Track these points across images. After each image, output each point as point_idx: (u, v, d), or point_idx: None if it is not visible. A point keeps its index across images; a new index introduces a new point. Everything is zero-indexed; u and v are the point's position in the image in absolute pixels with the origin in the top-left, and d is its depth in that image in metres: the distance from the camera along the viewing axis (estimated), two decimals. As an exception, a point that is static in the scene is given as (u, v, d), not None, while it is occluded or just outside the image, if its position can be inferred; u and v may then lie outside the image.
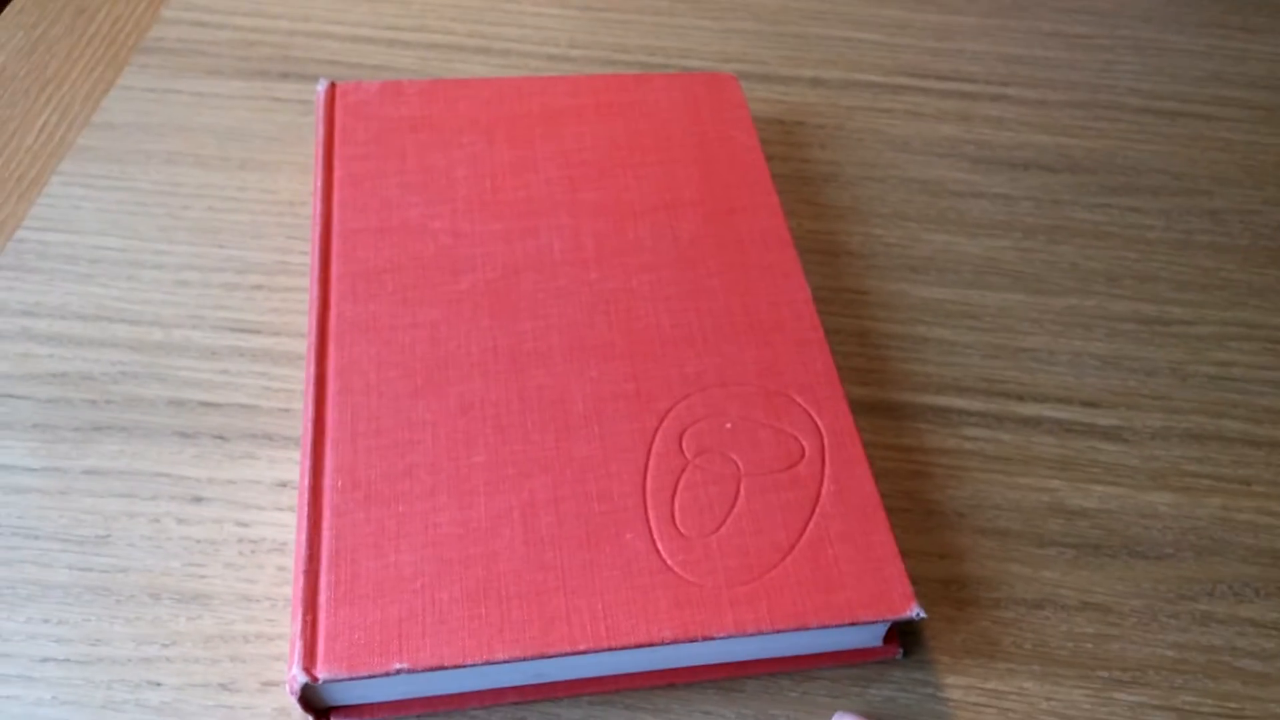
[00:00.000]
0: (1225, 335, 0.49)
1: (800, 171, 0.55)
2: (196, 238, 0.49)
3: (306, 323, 0.45)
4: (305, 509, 0.35)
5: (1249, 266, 0.53)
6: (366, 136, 0.48)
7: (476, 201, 0.46)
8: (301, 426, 0.38)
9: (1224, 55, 0.65)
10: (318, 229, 0.44)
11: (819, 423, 0.39)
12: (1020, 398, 0.46)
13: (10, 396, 0.42)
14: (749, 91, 0.60)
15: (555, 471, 0.37)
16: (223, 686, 0.35)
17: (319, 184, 0.45)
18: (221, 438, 0.41)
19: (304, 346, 0.45)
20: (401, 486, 0.36)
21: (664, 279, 0.44)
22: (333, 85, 0.50)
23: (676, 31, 0.63)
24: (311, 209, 0.47)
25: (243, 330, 0.45)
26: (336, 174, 0.46)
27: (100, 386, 0.43)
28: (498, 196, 0.46)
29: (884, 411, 0.45)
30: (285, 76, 0.57)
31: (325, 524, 0.35)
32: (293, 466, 0.41)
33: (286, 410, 0.42)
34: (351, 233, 0.44)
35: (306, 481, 0.36)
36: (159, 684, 0.35)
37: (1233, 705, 0.38)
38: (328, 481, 0.36)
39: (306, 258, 0.48)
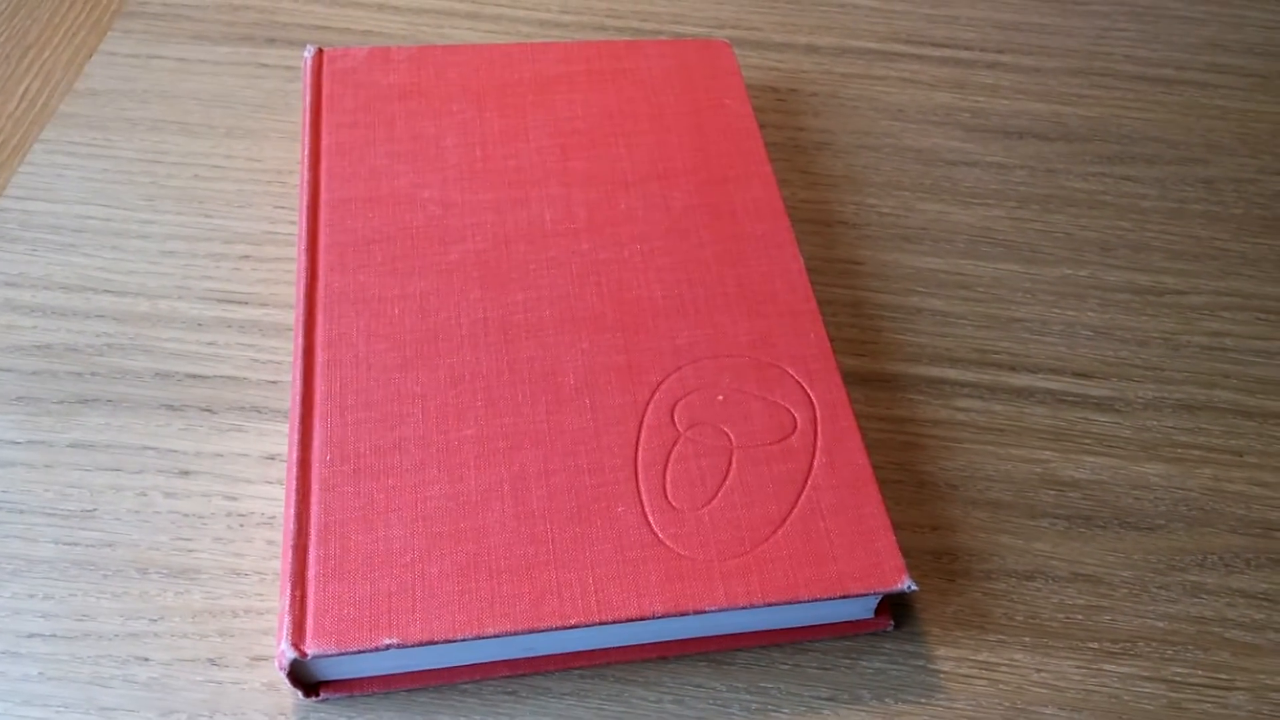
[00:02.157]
0: (1218, 305, 0.49)
1: (794, 140, 0.55)
2: (182, 207, 0.48)
3: (294, 294, 0.44)
4: (293, 483, 0.35)
5: (1243, 236, 0.52)
6: (354, 104, 0.47)
7: (466, 171, 0.45)
8: (290, 399, 0.38)
9: (1221, 22, 0.65)
10: (305, 198, 0.43)
11: (811, 395, 0.39)
12: (1013, 368, 0.46)
13: (-6, 369, 0.41)
14: (742, 59, 0.59)
15: (546, 444, 0.37)
16: (211, 662, 0.35)
17: (306, 153, 0.45)
18: (209, 410, 0.41)
19: (292, 318, 0.44)
20: (391, 460, 0.36)
21: (656, 249, 0.43)
22: (320, 52, 0.49)
23: (668, -4, 0.62)
24: (299, 178, 0.46)
25: (230, 301, 0.45)
26: (324, 142, 0.45)
27: (85, 359, 0.42)
28: (488, 165, 0.45)
29: (876, 382, 0.45)
30: (271, 42, 0.56)
31: (314, 498, 0.34)
32: (281, 439, 0.40)
33: (274, 382, 0.42)
34: (339, 202, 0.43)
35: (295, 455, 0.35)
36: (147, 659, 0.35)
37: (1223, 676, 0.38)
38: (316, 455, 0.35)
39: (294, 228, 0.47)
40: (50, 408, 0.40)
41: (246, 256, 0.46)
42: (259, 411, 0.41)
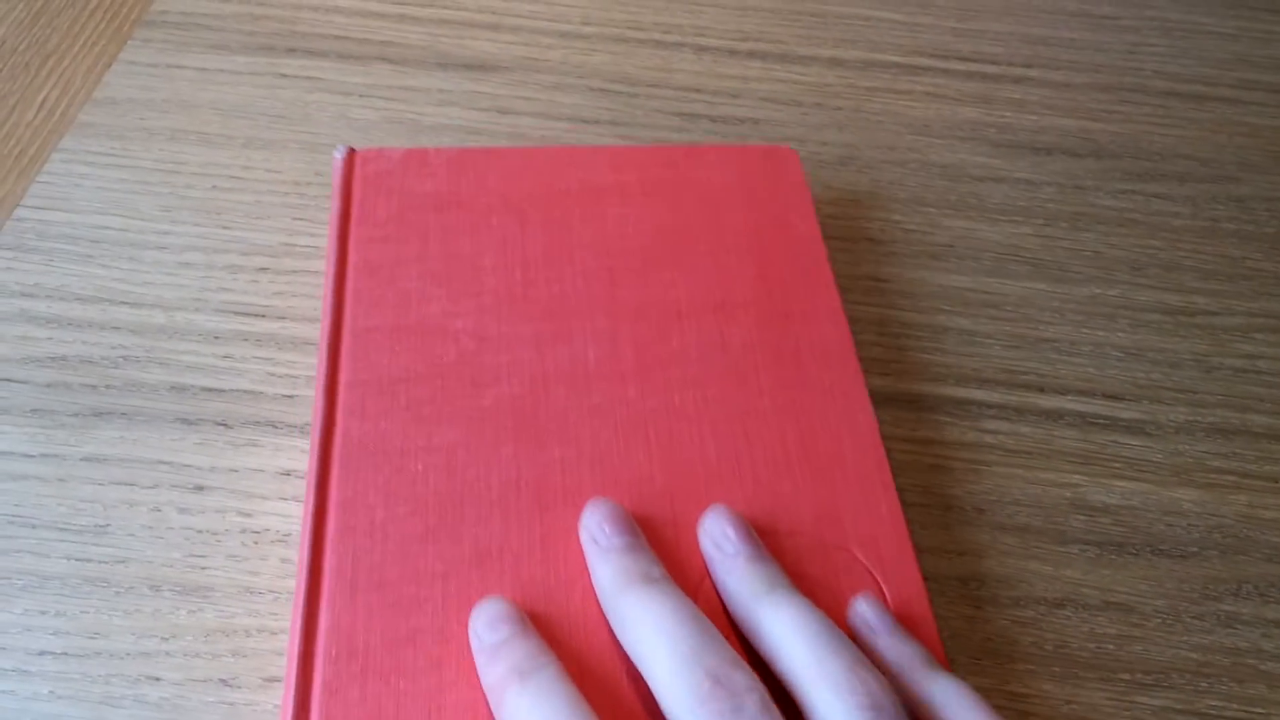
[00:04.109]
0: (1252, 326, 0.48)
1: (817, 155, 0.54)
2: (200, 218, 0.47)
3: (310, 436, 0.37)
4: (293, 680, 0.31)
5: (1276, 255, 0.51)
6: (386, 215, 0.42)
7: (505, 296, 0.40)
8: (295, 568, 0.34)
9: (1251, 38, 0.64)
10: (327, 324, 0.39)
11: (884, 588, 0.34)
12: (1041, 389, 0.45)
13: (8, 381, 0.41)
14: (765, 72, 0.58)
15: (581, 642, 0.32)
16: (224, 682, 0.34)
17: (331, 269, 0.40)
18: (224, 425, 0.40)
19: (311, 331, 0.44)
20: (404, 657, 0.31)
21: (710, 397, 0.38)
22: (351, 152, 0.45)
23: (692, 8, 0.62)
24: (322, 297, 0.41)
25: (247, 314, 0.44)
26: (351, 260, 0.41)
27: (100, 371, 0.42)
28: (528, 291, 0.41)
29: (902, 403, 0.44)
30: (292, 52, 0.56)
31: (314, 703, 0.30)
32: (298, 455, 0.40)
33: (291, 396, 0.42)
34: (364, 332, 0.39)
35: (296, 645, 0.31)
36: (158, 679, 0.34)
37: (1259, 710, 0.37)
38: (320, 648, 0.31)
39: (312, 240, 0.47)
40: (64, 420, 0.40)
41: (264, 269, 0.46)
42: (275, 427, 0.41)
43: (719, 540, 0.33)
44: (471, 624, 0.31)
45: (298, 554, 0.34)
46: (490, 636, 0.30)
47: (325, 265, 0.41)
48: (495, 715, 0.29)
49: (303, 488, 0.39)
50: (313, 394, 0.41)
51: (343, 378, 0.37)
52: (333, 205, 0.43)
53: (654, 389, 0.38)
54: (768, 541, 0.34)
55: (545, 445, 0.36)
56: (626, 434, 0.37)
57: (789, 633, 0.29)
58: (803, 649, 0.29)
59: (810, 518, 0.36)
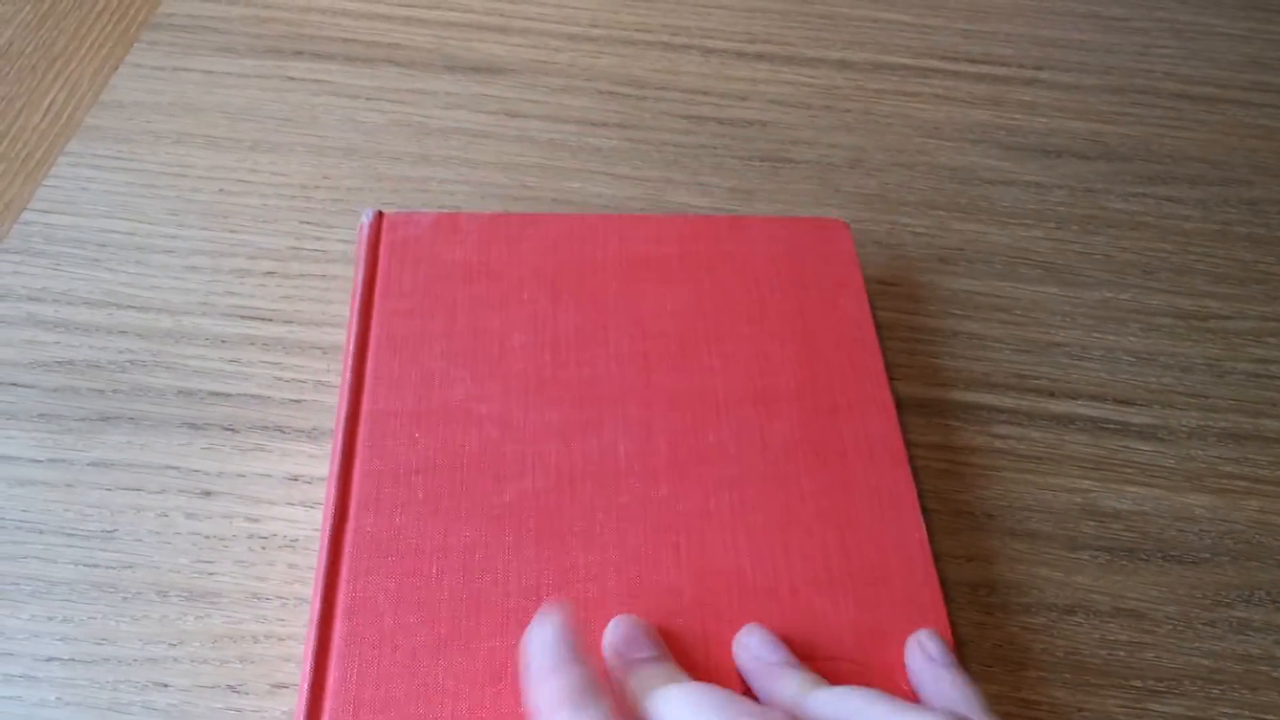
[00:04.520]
0: (1264, 331, 0.48)
1: (826, 158, 0.54)
2: (207, 221, 0.47)
3: (325, 481, 0.37)
4: None
5: (1289, 259, 0.51)
6: (412, 285, 0.40)
7: (533, 380, 0.38)
8: (297, 687, 0.31)
9: (1264, 39, 0.63)
10: (344, 406, 0.37)
11: None
12: (1052, 394, 0.45)
13: (15, 385, 0.41)
14: (773, 73, 0.58)
15: None
16: (231, 688, 0.34)
17: (352, 344, 0.38)
18: (231, 429, 0.40)
19: (317, 335, 0.44)
20: None
21: (747, 500, 0.36)
22: (379, 216, 0.42)
23: (699, 10, 0.61)
24: (341, 372, 0.39)
25: (254, 318, 0.44)
26: (373, 334, 0.39)
27: (107, 375, 0.41)
28: (558, 373, 0.38)
29: (913, 408, 0.44)
30: (299, 55, 0.56)
31: None
32: (305, 459, 0.40)
33: (298, 401, 0.41)
34: (383, 416, 0.36)
35: None
36: (166, 685, 0.34)
37: (1271, 717, 0.36)
38: None
39: (319, 244, 0.47)
40: (72, 425, 0.40)
41: (271, 273, 0.46)
42: (282, 431, 0.40)
43: (758, 653, 0.32)
44: (524, 639, 0.30)
45: (301, 664, 0.33)
46: (543, 658, 0.29)
47: (345, 337, 0.39)
48: None
49: (310, 493, 0.39)
50: (320, 398, 0.41)
51: (358, 466, 0.35)
52: (356, 273, 0.41)
53: (688, 489, 0.36)
54: (807, 668, 0.31)
55: (569, 548, 0.34)
56: (656, 539, 0.35)
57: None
58: None
59: (852, 639, 0.33)
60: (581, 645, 0.29)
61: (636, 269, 0.42)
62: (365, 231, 0.42)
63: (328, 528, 0.34)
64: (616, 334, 0.40)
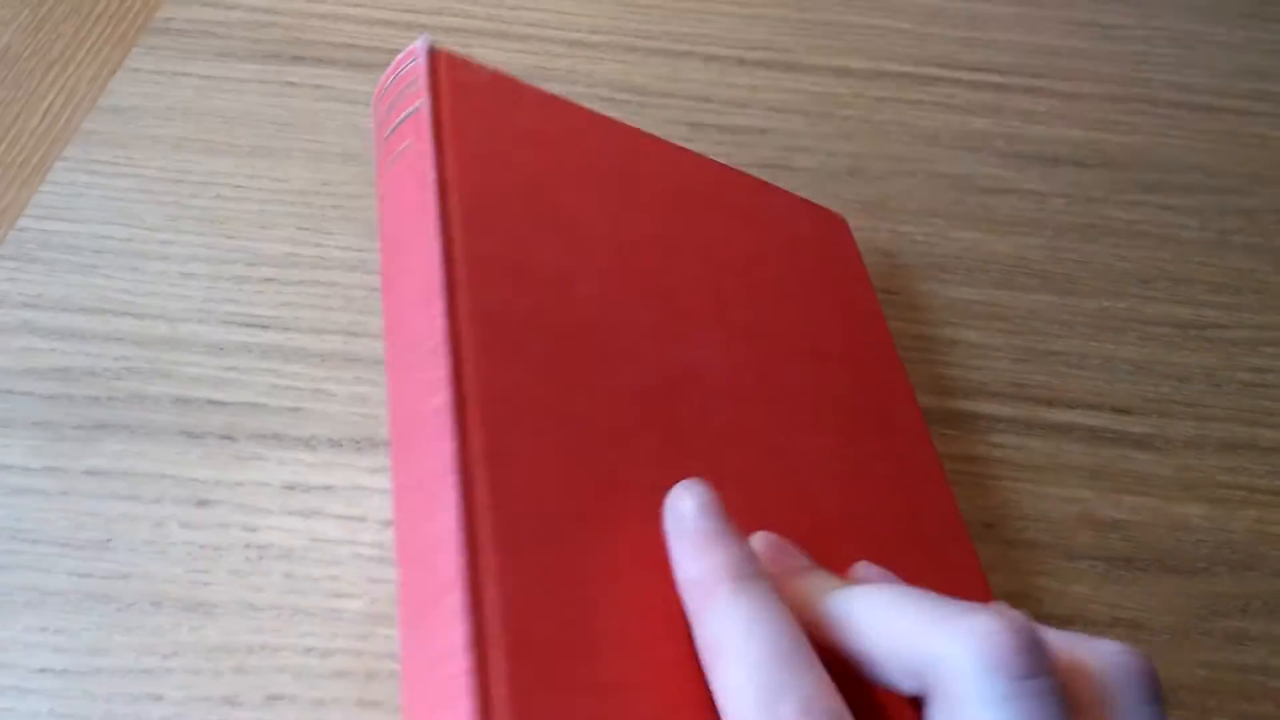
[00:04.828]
0: (1261, 340, 0.48)
1: (825, 166, 0.54)
2: (204, 228, 0.47)
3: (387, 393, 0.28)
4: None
5: (1287, 269, 0.51)
6: (482, 134, 0.32)
7: (620, 274, 0.33)
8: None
9: (1262, 48, 0.63)
10: (434, 246, 0.28)
11: None
12: (1050, 403, 0.45)
13: (10, 393, 0.41)
14: (773, 80, 0.58)
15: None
16: (226, 700, 0.34)
17: (431, 174, 0.29)
18: (228, 437, 0.40)
19: (315, 343, 0.43)
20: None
21: (830, 450, 0.34)
22: (434, 52, 0.33)
23: (700, 16, 0.61)
24: (398, 203, 0.31)
25: (252, 325, 0.44)
26: (450, 172, 0.30)
27: (103, 383, 0.41)
28: (644, 278, 0.33)
29: (909, 417, 0.44)
30: (298, 60, 0.55)
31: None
32: (302, 468, 0.40)
33: (296, 409, 0.41)
34: (481, 260, 0.29)
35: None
36: (160, 697, 0.34)
37: (1269, 731, 0.36)
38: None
39: (318, 250, 0.47)
40: (67, 433, 0.40)
41: (270, 279, 0.46)
42: (279, 439, 0.40)
43: (775, 558, 0.28)
44: (673, 505, 0.27)
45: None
46: (700, 522, 0.26)
47: (414, 183, 0.30)
48: (692, 610, 0.25)
49: (307, 502, 0.38)
50: (317, 406, 0.41)
51: (463, 307, 0.27)
52: (419, 106, 0.31)
53: (779, 423, 0.33)
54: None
55: (686, 456, 0.30)
56: (761, 471, 0.32)
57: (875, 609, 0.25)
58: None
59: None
60: (731, 520, 0.26)
61: (695, 199, 0.38)
62: (421, 59, 0.32)
63: (442, 377, 0.26)
64: (689, 255, 0.36)
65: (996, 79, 0.60)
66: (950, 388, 0.45)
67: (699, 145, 0.54)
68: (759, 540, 0.28)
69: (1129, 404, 0.45)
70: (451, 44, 0.57)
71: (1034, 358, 0.46)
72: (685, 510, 0.27)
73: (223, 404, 0.41)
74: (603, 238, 0.33)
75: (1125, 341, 0.47)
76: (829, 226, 0.45)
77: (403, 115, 0.32)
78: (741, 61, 0.59)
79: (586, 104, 0.54)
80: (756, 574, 0.25)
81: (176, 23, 0.57)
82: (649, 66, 0.58)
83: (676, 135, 0.54)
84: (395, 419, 0.27)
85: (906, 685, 0.23)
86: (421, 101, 0.32)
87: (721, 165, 0.42)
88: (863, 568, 0.30)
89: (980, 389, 0.45)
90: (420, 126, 0.31)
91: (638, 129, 0.39)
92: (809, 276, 0.40)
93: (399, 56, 0.33)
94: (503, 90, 0.35)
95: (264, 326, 0.44)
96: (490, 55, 0.57)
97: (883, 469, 0.35)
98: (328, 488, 0.39)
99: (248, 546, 0.37)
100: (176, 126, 0.51)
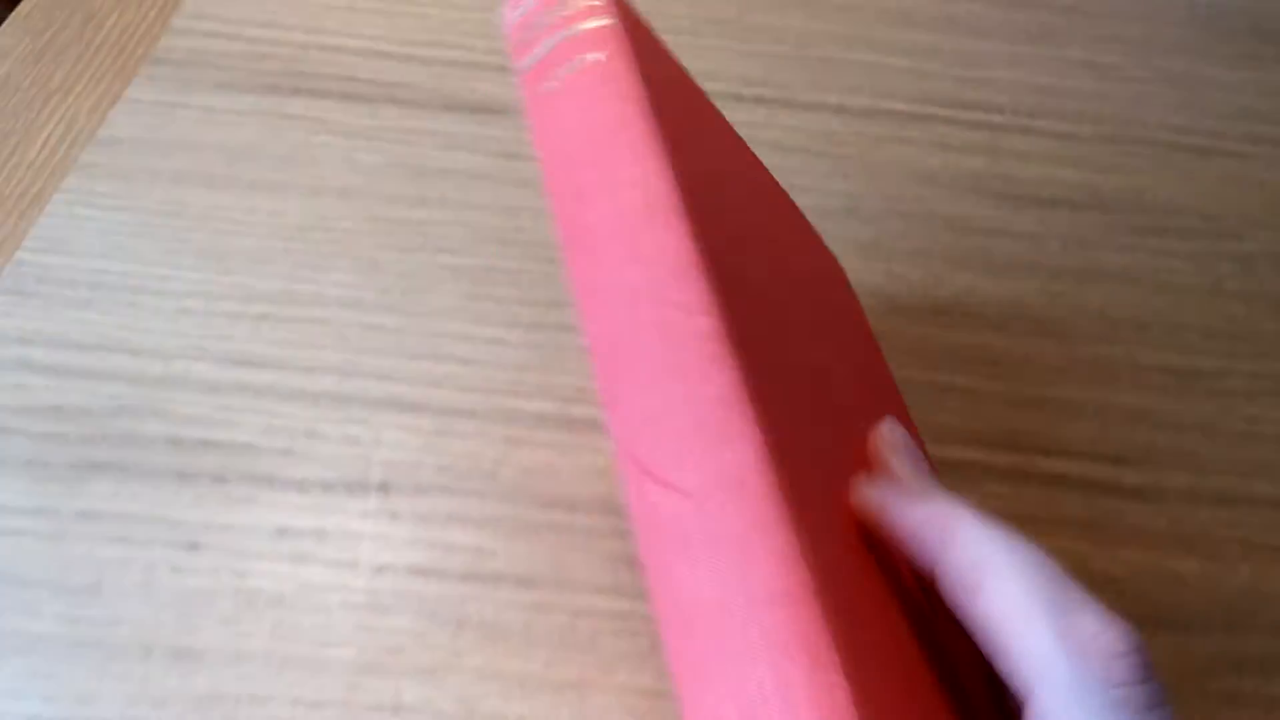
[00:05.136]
0: (1255, 389, 0.48)
1: (822, 205, 0.54)
2: (201, 263, 0.47)
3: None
4: None
5: (1279, 316, 0.51)
6: (653, 67, 0.30)
7: (756, 249, 0.32)
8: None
9: (1258, 89, 0.64)
10: (662, 165, 0.25)
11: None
12: (1045, 452, 0.45)
13: (4, 431, 0.41)
14: (769, 118, 0.58)
15: None
16: (214, 750, 0.34)
17: (642, 90, 0.27)
18: (220, 479, 0.40)
19: (308, 382, 0.43)
20: None
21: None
22: None
23: (699, 52, 0.61)
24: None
25: (246, 364, 0.44)
26: (652, 103, 0.27)
27: (97, 421, 0.41)
28: (768, 265, 0.32)
29: (904, 465, 0.44)
30: (297, 92, 0.56)
31: None
32: (293, 511, 0.39)
33: (288, 451, 0.41)
34: (695, 192, 0.27)
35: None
36: (148, 746, 0.34)
37: (1259, 791, 0.36)
38: None
39: (313, 287, 0.47)
40: (59, 473, 0.40)
41: (265, 316, 0.45)
42: (271, 481, 0.40)
43: (907, 456, 0.30)
44: (889, 443, 0.29)
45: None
46: (913, 466, 0.28)
47: (615, 97, 0.27)
48: (936, 541, 0.26)
49: (298, 546, 0.38)
50: (310, 447, 0.41)
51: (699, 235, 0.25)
52: (611, 19, 0.29)
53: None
54: None
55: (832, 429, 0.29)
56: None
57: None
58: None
59: None
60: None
61: (770, 196, 0.38)
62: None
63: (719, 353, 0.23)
64: (777, 249, 0.35)
65: (994, 118, 0.60)
66: (944, 435, 0.45)
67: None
68: (900, 438, 0.30)
69: (1124, 454, 0.45)
70: (451, 77, 0.58)
71: (1029, 405, 0.46)
72: (901, 451, 0.29)
73: (216, 444, 0.41)
74: (743, 218, 0.33)
75: (1120, 389, 0.47)
76: (836, 266, 0.45)
77: (582, 23, 0.29)
78: (739, 98, 0.59)
79: (585, 142, 0.55)
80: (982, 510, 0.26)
81: (177, 53, 0.57)
82: (648, 102, 0.58)
83: (674, 173, 0.54)
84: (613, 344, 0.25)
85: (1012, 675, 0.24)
86: (609, 18, 0.29)
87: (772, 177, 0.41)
88: (889, 429, 0.31)
89: (974, 436, 0.45)
90: (615, 39, 0.28)
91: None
92: (835, 299, 0.40)
93: None
94: (648, 32, 0.33)
95: (258, 365, 0.44)
96: (489, 89, 0.57)
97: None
98: (319, 532, 0.39)
99: (237, 592, 0.37)
100: (176, 159, 0.51)
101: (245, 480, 0.40)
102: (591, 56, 0.28)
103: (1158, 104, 0.62)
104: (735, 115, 0.58)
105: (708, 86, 0.59)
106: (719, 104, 0.58)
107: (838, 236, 0.52)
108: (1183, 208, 0.56)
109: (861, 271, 0.51)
